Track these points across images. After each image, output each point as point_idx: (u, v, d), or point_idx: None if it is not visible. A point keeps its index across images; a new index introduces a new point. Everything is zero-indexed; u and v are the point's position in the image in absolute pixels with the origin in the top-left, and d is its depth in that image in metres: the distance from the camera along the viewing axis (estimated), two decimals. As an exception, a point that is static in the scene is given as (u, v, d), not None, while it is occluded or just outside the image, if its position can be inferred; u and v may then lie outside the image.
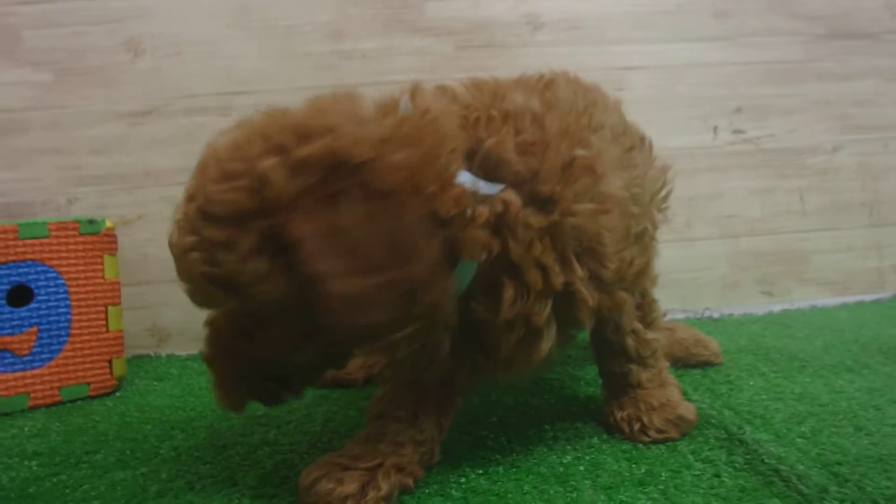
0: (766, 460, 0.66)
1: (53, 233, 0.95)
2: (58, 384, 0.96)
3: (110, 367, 1.00)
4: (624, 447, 0.72)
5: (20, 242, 0.93)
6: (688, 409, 0.76)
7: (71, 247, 0.97)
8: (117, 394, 1.00)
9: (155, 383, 1.05)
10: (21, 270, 0.94)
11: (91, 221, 0.99)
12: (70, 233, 0.97)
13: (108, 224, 1.01)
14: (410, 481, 0.64)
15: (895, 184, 1.32)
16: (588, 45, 1.23)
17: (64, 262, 0.96)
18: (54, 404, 0.95)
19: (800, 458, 0.66)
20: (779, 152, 1.29)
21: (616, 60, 1.24)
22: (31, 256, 0.94)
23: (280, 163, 0.50)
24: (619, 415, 0.75)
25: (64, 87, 1.15)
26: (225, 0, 1.17)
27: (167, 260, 1.19)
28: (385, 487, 0.61)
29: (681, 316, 1.29)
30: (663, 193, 0.86)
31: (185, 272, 0.56)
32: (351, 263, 0.49)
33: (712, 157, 1.28)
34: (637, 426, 0.74)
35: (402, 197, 0.50)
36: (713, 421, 0.76)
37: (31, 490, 0.68)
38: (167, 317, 1.20)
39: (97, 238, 0.99)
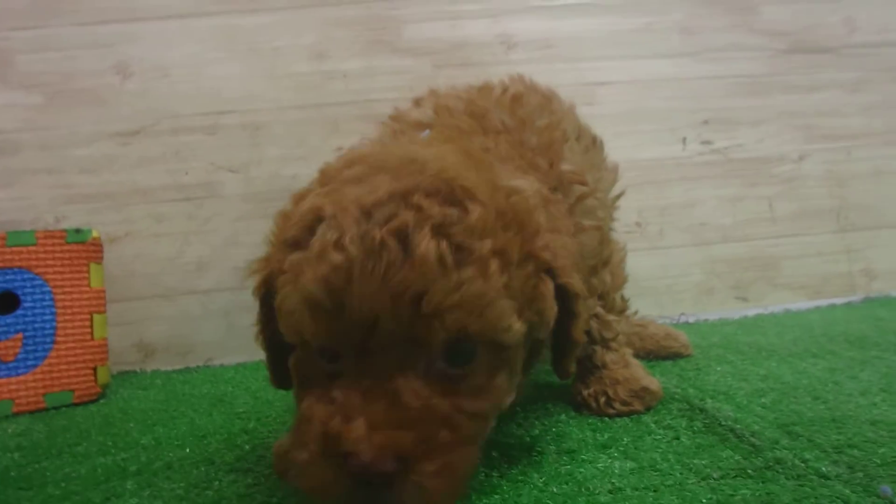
0: (724, 423, 0.70)
1: (41, 241, 1.01)
2: (42, 391, 0.99)
3: (95, 374, 1.04)
4: (590, 420, 0.76)
5: (8, 250, 0.99)
6: (652, 382, 0.80)
7: (58, 255, 1.02)
8: (101, 401, 1.04)
9: (139, 392, 1.08)
10: (8, 277, 0.99)
11: (78, 231, 1.04)
12: (57, 241, 1.02)
13: (95, 234, 1.07)
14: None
15: (860, 190, 1.40)
16: (560, 63, 1.32)
17: (50, 270, 1.01)
18: (39, 410, 0.99)
19: (756, 421, 0.70)
20: (747, 162, 1.37)
21: (587, 77, 1.33)
22: (19, 264, 0.99)
23: None
24: (585, 392, 0.80)
25: (55, 109, 1.23)
26: (212, 25, 1.26)
27: (153, 276, 1.26)
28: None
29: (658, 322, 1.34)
30: (617, 192, 0.92)
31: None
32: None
33: (683, 168, 1.35)
34: (603, 399, 0.78)
35: None
36: (677, 396, 0.81)
37: (12, 474, 0.72)
38: (153, 332, 1.25)
39: (83, 247, 1.05)
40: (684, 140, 1.35)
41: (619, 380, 0.79)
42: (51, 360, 1.01)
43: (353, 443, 0.45)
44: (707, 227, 1.36)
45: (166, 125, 1.26)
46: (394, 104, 1.16)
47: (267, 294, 0.57)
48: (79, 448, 0.80)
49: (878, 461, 0.58)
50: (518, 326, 0.53)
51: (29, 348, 0.99)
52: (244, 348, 1.26)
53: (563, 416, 0.78)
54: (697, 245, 1.36)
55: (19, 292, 1.00)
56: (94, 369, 1.04)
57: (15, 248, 0.99)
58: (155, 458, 0.74)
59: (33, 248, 1.00)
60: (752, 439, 0.65)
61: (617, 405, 0.78)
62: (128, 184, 1.24)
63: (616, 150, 1.31)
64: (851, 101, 1.39)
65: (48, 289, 1.01)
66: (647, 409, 0.78)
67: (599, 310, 0.82)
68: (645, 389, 0.79)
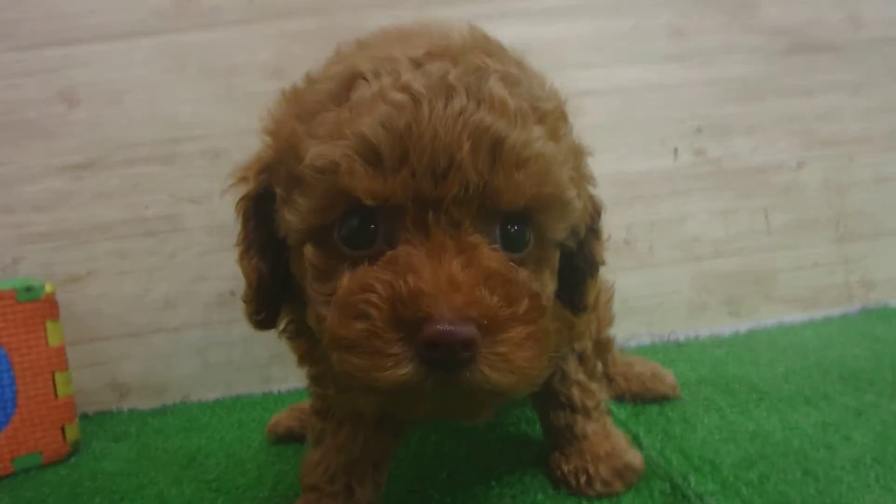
0: (706, 517, 0.70)
1: (-8, 303, 0.98)
2: (9, 456, 0.98)
3: (63, 433, 1.03)
4: (568, 502, 0.76)
5: (-41, 315, 0.96)
6: (635, 458, 0.79)
7: (10, 317, 0.99)
8: (72, 460, 1.03)
9: (112, 445, 1.07)
10: (-39, 344, 0.96)
11: (29, 289, 1.01)
12: (7, 302, 0.99)
13: (48, 289, 1.04)
14: (348, 558, 0.68)
15: (861, 198, 1.36)
16: (546, 71, 1.26)
17: (3, 333, 0.99)
18: (6, 476, 0.98)
19: (740, 512, 0.70)
20: (742, 172, 1.33)
21: (572, 85, 1.26)
22: (-29, 328, 0.97)
23: None
24: (565, 468, 0.79)
25: (1, 143, 1.18)
26: (161, 43, 1.19)
27: (121, 315, 1.24)
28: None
29: (647, 341, 1.33)
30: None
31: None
32: None
33: (674, 181, 1.32)
34: (583, 478, 0.77)
35: None
36: (659, 471, 0.80)
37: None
38: (126, 371, 1.23)
39: (37, 305, 1.02)
40: (675, 151, 1.31)
41: (601, 455, 0.78)
42: (14, 424, 0.99)
43: (432, 301, 0.40)
44: (699, 241, 1.33)
45: (120, 156, 1.20)
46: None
47: (261, 196, 0.53)
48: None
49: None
50: (577, 203, 0.51)
51: (-11, 414, 0.98)
52: (219, 384, 1.25)
53: (539, 496, 0.77)
54: (689, 261, 1.33)
55: (-26, 358, 0.97)
56: (62, 428, 1.03)
57: (-35, 313, 0.96)
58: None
59: (-16, 310, 0.98)
60: (734, 545, 0.64)
61: (597, 485, 0.77)
62: (85, 220, 1.20)
63: (604, 164, 1.27)
64: (853, 103, 1.34)
65: (3, 352, 0.99)
66: (628, 487, 0.77)
67: (581, 376, 0.80)
68: (627, 467, 0.78)
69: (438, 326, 0.39)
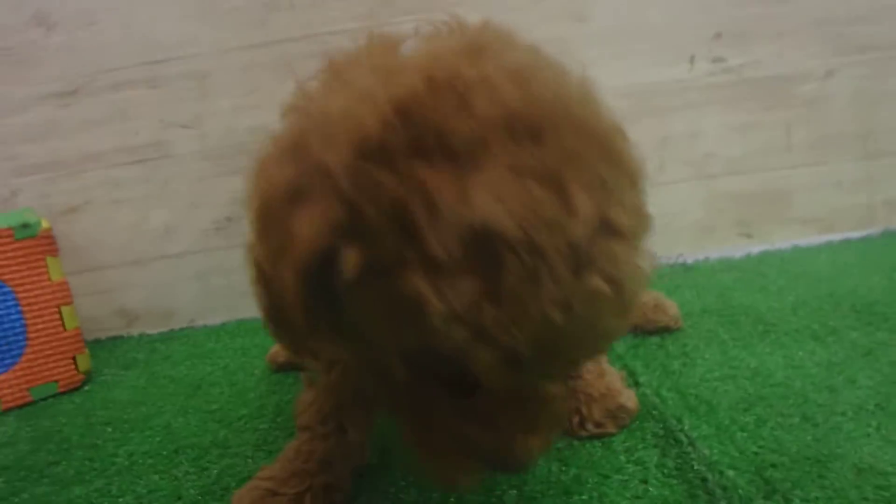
0: (696, 466, 0.67)
1: (-11, 242, 0.97)
2: (26, 385, 1.01)
3: (75, 363, 1.04)
4: (559, 446, 0.74)
5: (-43, 256, 0.95)
6: (629, 399, 0.77)
7: (9, 255, 0.98)
8: (86, 387, 1.05)
9: (122, 372, 1.09)
10: (-36, 284, 0.96)
11: (25, 225, 0.99)
12: (5, 240, 0.97)
13: (45, 224, 1.01)
14: (341, 497, 0.68)
15: (894, 112, 1.24)
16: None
17: (6, 271, 0.98)
18: (27, 405, 1.01)
19: (733, 461, 0.67)
20: (764, 82, 1.21)
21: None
22: (-29, 268, 0.96)
23: None
24: None
25: (-15, 73, 1.12)
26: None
27: (121, 244, 1.22)
28: (314, 510, 0.65)
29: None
30: None
31: None
32: None
33: (688, 92, 1.21)
34: (576, 419, 0.75)
35: None
36: (654, 412, 0.77)
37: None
38: (132, 298, 1.23)
39: (35, 241, 1.00)
40: (692, 59, 1.20)
41: (595, 396, 0.76)
42: (28, 357, 1.01)
43: (525, 456, 0.47)
44: (713, 158, 1.25)
45: (104, 81, 1.14)
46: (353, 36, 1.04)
47: None
48: (58, 469, 0.81)
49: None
50: None
51: (3, 348, 0.99)
52: (223, 309, 1.25)
53: (532, 440, 0.76)
54: (700, 179, 1.25)
55: (-22, 297, 0.97)
56: (74, 358, 1.04)
57: (-37, 253, 0.95)
58: (127, 488, 0.75)
59: (-19, 250, 0.96)
60: (722, 501, 0.62)
61: (590, 426, 0.75)
62: (76, 149, 1.16)
63: (611, 75, 1.18)
64: (892, 2, 1.19)
65: (8, 289, 0.98)
66: (621, 428, 0.75)
67: None
68: (621, 408, 0.76)
69: (512, 465, 0.49)
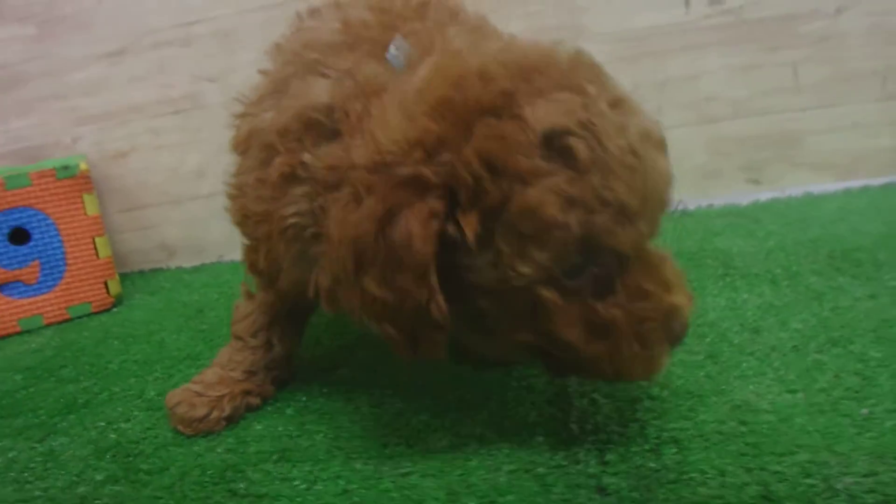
0: (570, 391, 0.65)
1: (35, 181, 1.09)
2: (65, 304, 1.13)
3: (106, 287, 1.16)
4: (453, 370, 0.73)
5: (9, 192, 1.08)
6: None
7: (52, 191, 1.10)
8: (115, 309, 1.17)
9: (147, 297, 1.19)
10: (16, 215, 1.09)
11: (65, 167, 1.11)
12: (49, 179, 1.10)
13: (83, 166, 1.13)
14: (257, 401, 0.73)
15: (918, 45, 1.07)
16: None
17: (49, 205, 1.10)
18: (65, 321, 1.14)
19: (612, 391, 0.64)
20: (766, 22, 1.08)
21: (566, -66, 1.09)
22: (22, 203, 1.09)
23: None
24: None
25: (48, 38, 1.24)
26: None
27: (161, 184, 1.33)
28: (228, 409, 0.70)
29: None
30: None
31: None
32: None
33: (686, 35, 1.11)
34: None
35: None
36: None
37: (4, 402, 0.85)
38: (170, 234, 1.34)
39: (74, 181, 1.12)
40: (687, 1, 1.09)
41: None
42: (66, 280, 1.13)
43: (682, 311, 0.52)
44: (715, 101, 1.14)
45: (146, 41, 1.23)
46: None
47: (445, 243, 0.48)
48: (64, 371, 0.92)
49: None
50: None
51: (46, 272, 1.12)
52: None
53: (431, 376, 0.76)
54: (702, 123, 1.15)
55: (28, 227, 1.10)
56: (105, 283, 1.16)
57: (15, 190, 1.08)
58: (103, 388, 0.84)
59: (30, 188, 1.09)
60: (577, 420, 0.60)
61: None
62: (124, 102, 1.27)
63: (605, 20, 1.12)
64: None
65: (51, 221, 1.11)
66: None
67: None
68: None
69: (683, 324, 0.52)
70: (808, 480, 0.49)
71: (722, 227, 1.07)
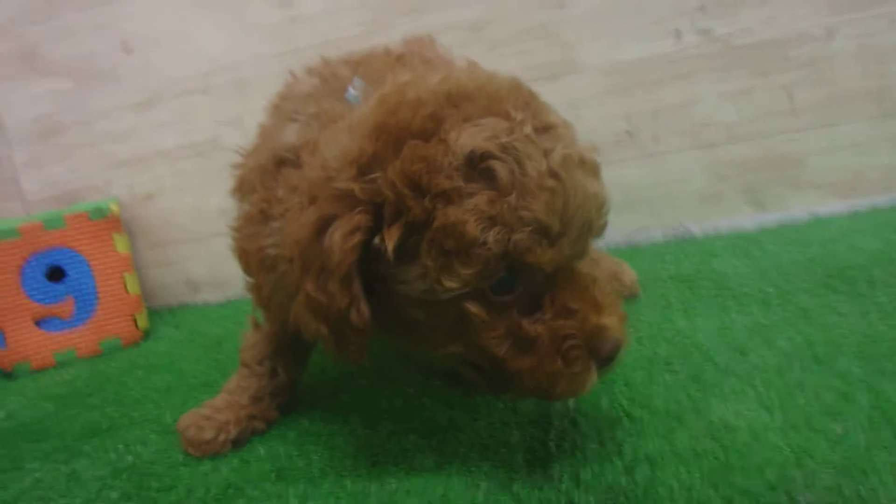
0: (554, 413, 0.66)
1: (70, 222, 1.16)
2: (97, 339, 1.20)
3: (135, 322, 1.22)
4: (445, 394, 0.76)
5: (46, 233, 1.15)
6: None
7: (85, 232, 1.17)
8: (143, 343, 1.22)
9: (172, 330, 1.25)
10: (52, 255, 1.16)
11: (98, 209, 1.18)
12: (82, 221, 1.17)
13: (113, 208, 1.20)
14: (262, 426, 0.77)
15: (908, 65, 1.07)
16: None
17: (82, 244, 1.17)
18: (96, 354, 1.20)
19: (593, 411, 0.65)
20: (755, 48, 1.10)
21: (555, -25, 1.13)
22: (58, 243, 1.16)
23: None
24: None
25: (83, 90, 1.34)
26: (182, -13, 1.26)
27: (185, 223, 1.39)
28: (234, 433, 0.74)
29: (658, 234, 1.21)
30: None
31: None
32: None
33: (675, 65, 1.13)
34: None
35: None
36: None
37: (34, 427, 0.90)
38: (194, 270, 1.40)
39: (105, 222, 1.19)
40: (677, 33, 1.12)
41: None
42: (98, 315, 1.20)
43: (614, 333, 0.52)
44: (709, 126, 1.15)
45: (170, 91, 1.31)
46: (362, 41, 1.10)
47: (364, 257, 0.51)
48: (90, 398, 0.97)
49: None
50: None
51: (79, 307, 1.19)
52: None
53: (424, 399, 0.79)
54: (698, 148, 1.16)
55: (63, 265, 1.17)
56: (134, 318, 1.22)
57: (52, 231, 1.16)
58: (125, 413, 0.89)
59: (65, 229, 1.16)
60: (556, 439, 0.61)
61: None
62: (150, 148, 1.35)
63: (595, 55, 1.15)
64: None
65: (84, 259, 1.18)
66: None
67: None
68: None
69: (611, 346, 0.52)
70: (772, 494, 0.49)
71: (721, 250, 1.08)
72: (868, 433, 0.55)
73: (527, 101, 0.54)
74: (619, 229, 1.22)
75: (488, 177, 0.49)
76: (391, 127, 0.52)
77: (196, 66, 1.30)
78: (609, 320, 0.53)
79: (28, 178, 1.39)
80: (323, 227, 0.51)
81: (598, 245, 1.02)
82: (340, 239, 0.50)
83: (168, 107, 1.33)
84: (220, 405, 0.77)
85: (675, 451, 0.57)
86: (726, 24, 1.10)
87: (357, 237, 0.50)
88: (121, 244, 1.21)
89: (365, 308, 0.52)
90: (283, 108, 0.67)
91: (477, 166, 0.49)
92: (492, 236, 0.48)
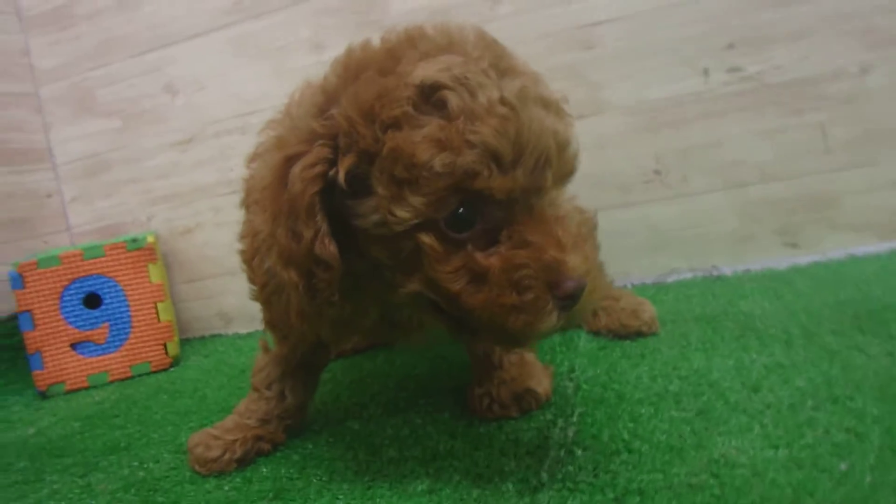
0: (552, 443, 0.67)
1: (108, 252, 1.26)
2: (128, 363, 1.27)
3: (165, 349, 1.29)
4: (451, 425, 0.78)
5: (86, 262, 1.25)
6: (540, 384, 0.78)
7: (122, 261, 1.26)
8: (171, 369, 1.29)
9: (202, 359, 1.32)
10: (90, 282, 1.26)
11: (134, 240, 1.27)
12: (120, 251, 1.26)
13: (150, 239, 1.29)
14: (268, 447, 0.80)
15: (950, 100, 1.06)
16: (550, 8, 1.18)
17: (119, 273, 1.26)
18: (127, 378, 1.27)
19: (593, 443, 0.66)
20: (788, 85, 1.11)
21: (582, 18, 1.18)
22: (95, 271, 1.25)
23: None
24: (475, 392, 0.80)
25: (129, 130, 1.46)
26: (228, 36, 1.37)
27: (220, 258, 1.47)
28: (239, 452, 0.78)
29: (688, 275, 1.21)
30: None
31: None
32: None
33: (704, 103, 1.15)
34: (486, 401, 0.78)
35: None
36: (560, 402, 0.78)
37: (60, 443, 0.97)
38: (228, 303, 1.48)
39: (141, 252, 1.28)
40: (706, 71, 1.14)
41: (507, 380, 0.79)
42: (131, 341, 1.27)
43: (574, 271, 0.52)
44: (741, 166, 1.16)
45: (210, 131, 1.42)
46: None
47: (329, 193, 0.54)
48: (115, 419, 1.03)
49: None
50: None
51: (114, 333, 1.27)
52: (298, 314, 1.43)
53: (446, 415, 0.81)
54: (730, 188, 1.17)
55: (100, 292, 1.26)
56: (164, 345, 1.29)
57: (91, 260, 1.25)
58: (146, 433, 0.94)
59: (104, 258, 1.25)
60: (548, 469, 0.62)
61: (496, 408, 0.77)
62: (190, 184, 1.45)
63: (623, 93, 1.18)
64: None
65: (120, 288, 1.26)
66: (525, 412, 0.77)
67: None
68: (528, 391, 0.77)
69: (572, 282, 0.52)
70: (761, 529, 0.49)
71: (751, 291, 1.07)
72: (875, 472, 0.54)
73: (488, 44, 0.56)
74: (649, 270, 1.23)
75: (440, 107, 0.51)
76: (352, 64, 0.56)
77: (235, 108, 1.40)
78: (571, 257, 0.52)
79: (75, 212, 1.51)
80: (287, 167, 0.55)
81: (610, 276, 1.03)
82: (300, 171, 0.54)
83: (207, 145, 1.43)
84: (230, 426, 0.81)
85: (669, 484, 0.57)
86: (757, 61, 1.12)
87: (317, 169, 0.53)
88: (155, 274, 1.29)
89: (330, 242, 0.54)
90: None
91: (429, 97, 0.51)
92: (438, 160, 0.49)
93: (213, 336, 1.49)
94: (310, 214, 0.53)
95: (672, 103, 1.17)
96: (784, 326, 0.89)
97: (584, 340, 0.98)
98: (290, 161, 0.55)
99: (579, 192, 1.08)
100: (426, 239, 0.53)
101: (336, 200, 0.55)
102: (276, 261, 0.57)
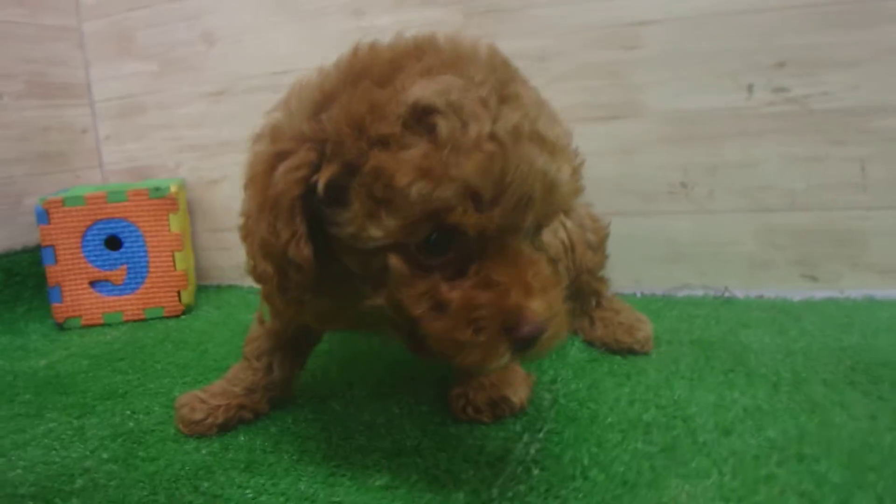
0: (512, 459, 0.70)
1: (131, 198, 1.31)
2: (142, 306, 1.34)
3: (179, 296, 1.35)
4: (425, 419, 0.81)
5: (109, 205, 1.31)
6: (516, 393, 0.80)
7: (144, 208, 1.32)
8: (182, 316, 1.36)
9: (212, 311, 1.38)
10: (112, 225, 1.32)
11: (157, 189, 1.32)
12: (142, 197, 1.31)
13: (172, 189, 1.34)
14: (250, 416, 0.85)
15: None
16: (593, 2, 1.16)
17: (140, 219, 1.32)
18: (140, 320, 1.34)
19: (552, 464, 0.69)
20: (834, 114, 1.07)
21: (626, 16, 1.15)
22: (118, 215, 1.31)
23: None
24: (455, 391, 0.83)
25: (165, 75, 1.50)
26: (266, -7, 1.39)
27: (242, 212, 1.49)
28: (222, 418, 0.83)
29: (699, 293, 1.21)
30: None
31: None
32: None
33: (742, 120, 1.12)
34: (461, 403, 0.81)
35: None
36: (531, 416, 0.80)
37: (65, 380, 1.04)
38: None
39: (162, 201, 1.33)
40: (750, 87, 1.11)
41: (485, 385, 0.81)
42: (147, 285, 1.34)
43: (535, 315, 0.53)
44: (770, 191, 1.13)
45: (242, 86, 1.45)
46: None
47: (311, 195, 0.55)
48: (120, 363, 1.10)
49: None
50: None
51: (131, 276, 1.33)
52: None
53: (424, 408, 0.84)
54: (755, 211, 1.15)
55: (121, 236, 1.32)
56: (178, 293, 1.35)
57: (114, 204, 1.31)
58: (144, 382, 1.00)
59: (126, 203, 1.31)
60: (499, 486, 0.65)
61: (470, 411, 0.80)
62: (219, 136, 1.49)
63: (661, 99, 1.16)
64: None
65: (140, 233, 1.32)
66: (498, 419, 0.79)
67: None
68: (503, 399, 0.80)
69: (529, 328, 0.53)
70: (684, 583, 0.51)
71: (756, 321, 1.06)
72: (815, 543, 0.55)
73: (496, 67, 0.55)
74: (661, 281, 1.23)
75: (430, 131, 0.51)
76: (353, 69, 0.57)
77: (268, 66, 1.42)
78: (532, 303, 0.53)
79: (108, 150, 1.57)
80: (276, 162, 0.56)
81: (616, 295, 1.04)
82: (284, 172, 0.55)
83: (238, 100, 1.46)
84: (216, 391, 0.86)
85: (611, 521, 0.60)
86: (806, 84, 1.08)
87: (301, 172, 0.55)
88: (175, 224, 1.34)
89: (305, 246, 0.55)
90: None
91: (421, 119, 0.51)
92: (416, 188, 0.50)
93: (230, 286, 1.56)
94: (289, 216, 0.55)
95: (709, 116, 1.14)
96: (776, 367, 0.89)
97: (576, 349, 1.00)
98: (279, 157, 0.57)
99: (600, 196, 1.09)
100: (395, 261, 0.55)
101: (315, 205, 0.57)
102: (256, 250, 0.60)
